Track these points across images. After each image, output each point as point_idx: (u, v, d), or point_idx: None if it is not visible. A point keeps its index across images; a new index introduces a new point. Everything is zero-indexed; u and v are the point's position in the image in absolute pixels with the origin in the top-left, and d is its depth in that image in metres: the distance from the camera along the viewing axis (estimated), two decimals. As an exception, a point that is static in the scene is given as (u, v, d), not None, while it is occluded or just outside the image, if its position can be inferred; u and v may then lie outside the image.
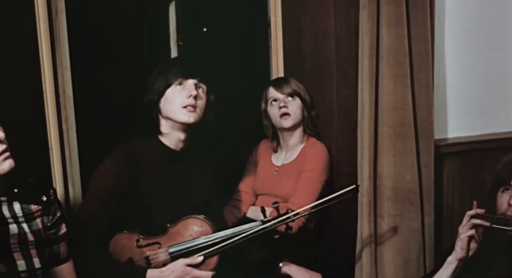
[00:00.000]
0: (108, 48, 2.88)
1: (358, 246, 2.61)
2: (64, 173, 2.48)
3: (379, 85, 2.53)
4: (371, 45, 2.49)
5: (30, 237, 1.83)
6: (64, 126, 2.49)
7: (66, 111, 2.50)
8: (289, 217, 2.10)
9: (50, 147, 2.42)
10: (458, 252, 1.90)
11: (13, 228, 1.79)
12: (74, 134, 2.54)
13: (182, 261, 2.04)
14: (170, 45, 3.12)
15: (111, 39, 2.89)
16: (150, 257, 2.10)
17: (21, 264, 1.78)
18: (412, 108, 2.57)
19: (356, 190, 2.15)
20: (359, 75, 2.55)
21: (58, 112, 2.45)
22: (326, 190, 2.65)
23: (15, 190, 1.84)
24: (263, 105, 2.82)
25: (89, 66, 2.69)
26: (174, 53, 3.12)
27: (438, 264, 2.02)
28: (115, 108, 2.85)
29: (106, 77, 2.83)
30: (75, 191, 2.55)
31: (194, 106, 2.18)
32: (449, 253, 1.95)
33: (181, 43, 3.12)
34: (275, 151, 2.87)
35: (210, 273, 2.05)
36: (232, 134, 3.09)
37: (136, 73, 2.80)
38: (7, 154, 1.71)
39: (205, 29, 3.24)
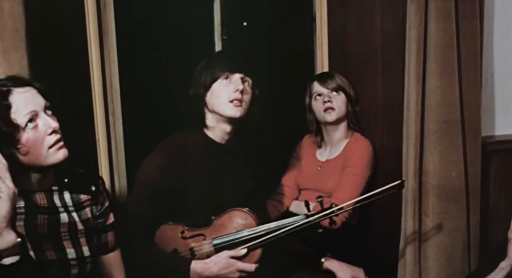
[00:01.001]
0: (154, 42, 2.90)
1: (402, 243, 2.59)
2: (110, 165, 2.52)
3: (426, 81, 2.49)
4: (418, 40, 2.45)
5: (80, 225, 1.87)
6: (111, 119, 2.53)
7: (113, 104, 2.53)
8: (333, 212, 2.09)
9: (97, 138, 2.47)
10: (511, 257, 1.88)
11: (64, 216, 1.83)
12: (121, 127, 2.58)
13: (226, 253, 2.06)
14: (214, 39, 3.12)
15: (157, 33, 2.91)
16: (195, 249, 2.12)
17: (71, 252, 1.80)
18: (459, 104, 2.52)
19: (401, 186, 2.13)
20: (406, 70, 2.52)
21: (105, 105, 2.49)
22: (369, 186, 2.63)
23: (66, 180, 1.88)
24: (307, 100, 2.82)
25: (135, 59, 2.72)
26: (218, 47, 3.13)
27: (483, 263, 1.99)
28: (161, 101, 2.88)
29: (151, 71, 2.86)
30: (121, 182, 2.59)
31: (240, 101, 2.18)
32: (496, 254, 1.92)
33: (225, 37, 3.12)
34: (320, 146, 2.86)
35: (254, 266, 2.05)
36: (276, 129, 3.08)
37: (181, 66, 2.81)
38: (61, 143, 1.73)
39: (245, 24, 3.23)
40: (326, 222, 2.13)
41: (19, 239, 1.39)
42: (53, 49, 2.26)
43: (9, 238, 1.37)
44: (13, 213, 1.43)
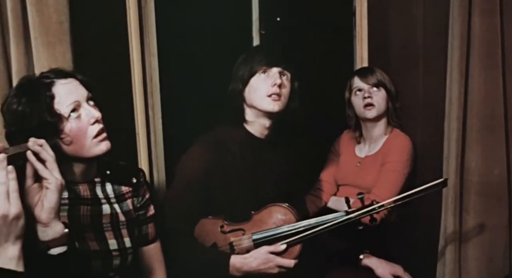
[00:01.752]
0: (193, 37, 2.90)
1: (442, 242, 2.55)
2: (149, 158, 2.54)
3: (469, 76, 2.45)
4: (461, 35, 2.41)
5: (121, 217, 1.88)
6: (150, 113, 2.54)
7: (153, 98, 2.55)
8: (374, 209, 2.07)
9: (137, 132, 2.48)
10: None
11: (106, 208, 1.85)
12: (160, 121, 2.59)
13: (265, 248, 2.05)
14: (252, 34, 3.12)
15: (196, 27, 2.92)
16: (234, 243, 2.12)
17: (112, 243, 1.82)
18: (503, 100, 2.47)
19: (444, 184, 2.09)
20: (448, 65, 2.48)
21: (145, 98, 2.50)
22: (409, 182, 2.60)
23: (108, 172, 1.90)
24: (346, 95, 2.80)
25: (175, 54, 2.73)
26: (256, 42, 3.12)
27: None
28: (200, 96, 2.89)
29: (191, 66, 2.86)
30: (159, 175, 2.61)
31: (278, 95, 2.17)
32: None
33: (263, 32, 3.11)
34: (359, 142, 2.84)
35: (293, 262, 2.04)
36: (315, 123, 3.06)
37: (220, 61, 2.80)
38: (104, 134, 1.75)
39: (278, 19, 3.21)
40: (366, 219, 2.11)
41: (66, 230, 1.40)
42: (95, 43, 2.28)
43: (57, 228, 1.38)
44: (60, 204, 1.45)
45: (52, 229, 1.37)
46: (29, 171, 1.36)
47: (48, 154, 1.37)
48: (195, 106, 2.87)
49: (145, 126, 2.50)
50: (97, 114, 1.72)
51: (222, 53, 2.89)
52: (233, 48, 2.83)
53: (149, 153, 2.54)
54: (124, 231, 1.88)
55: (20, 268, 1.25)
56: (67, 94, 1.69)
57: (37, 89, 1.67)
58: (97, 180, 1.87)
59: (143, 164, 2.50)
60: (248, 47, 2.97)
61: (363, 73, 2.75)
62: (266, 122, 2.23)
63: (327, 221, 2.07)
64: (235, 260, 2.05)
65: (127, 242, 1.87)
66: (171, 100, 2.68)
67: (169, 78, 2.65)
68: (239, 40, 3.07)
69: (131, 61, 2.44)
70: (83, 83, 1.76)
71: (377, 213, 2.10)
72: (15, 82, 1.98)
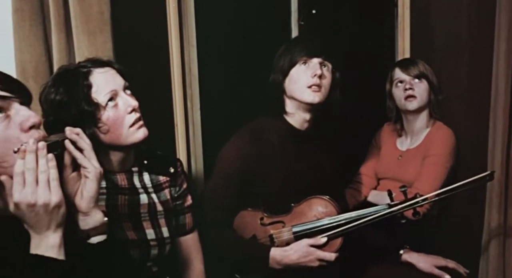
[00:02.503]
0: (232, 28, 2.88)
1: (485, 237, 2.50)
2: (187, 149, 2.54)
3: (516, 68, 2.38)
4: (509, 26, 2.34)
5: (159, 207, 1.88)
6: (189, 104, 2.55)
7: (191, 89, 2.56)
8: (417, 202, 2.01)
9: (175, 123, 2.49)
10: None
11: (143, 197, 1.85)
12: (198, 112, 2.60)
13: (305, 241, 2.01)
14: (291, 25, 3.08)
15: (235, 18, 2.90)
16: (274, 236, 2.09)
17: (150, 233, 1.82)
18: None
19: (491, 177, 2.02)
20: (494, 57, 2.43)
21: (184, 89, 2.50)
22: (451, 176, 2.54)
23: (145, 161, 1.90)
24: (387, 87, 2.75)
25: (213, 45, 2.72)
26: (295, 33, 3.09)
27: None
28: (239, 87, 2.86)
29: (229, 56, 2.84)
30: (197, 166, 2.61)
31: (319, 86, 2.13)
32: None
33: (302, 23, 3.07)
34: (400, 135, 2.79)
35: (334, 255, 1.99)
36: (355, 115, 3.01)
37: (258, 52, 2.79)
38: (141, 122, 1.74)
39: (314, 11, 3.17)
40: (409, 213, 2.06)
41: (106, 218, 1.39)
42: (135, 33, 2.29)
43: (97, 217, 1.37)
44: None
45: (92, 218, 1.37)
46: (67, 160, 1.35)
47: (85, 142, 1.36)
48: (234, 97, 2.85)
49: (183, 117, 2.50)
50: (134, 103, 1.72)
51: (261, 44, 2.86)
52: (272, 39, 2.81)
53: (187, 144, 2.54)
54: (162, 221, 1.87)
55: (61, 256, 1.25)
56: (104, 83, 1.69)
57: (75, 78, 1.68)
58: (134, 169, 1.86)
59: (181, 154, 2.50)
60: (286, 38, 2.93)
61: (405, 65, 2.70)
62: (307, 114, 2.19)
63: (369, 214, 2.02)
64: (275, 253, 2.02)
65: (165, 232, 1.86)
66: (210, 91, 2.67)
67: (208, 69, 2.65)
68: (277, 31, 3.04)
69: (170, 52, 2.44)
70: (120, 72, 1.76)
71: (421, 206, 2.04)
72: (55, 72, 2.00)
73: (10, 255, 1.23)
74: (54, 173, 1.24)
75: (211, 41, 2.70)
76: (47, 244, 1.23)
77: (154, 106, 2.23)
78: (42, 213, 1.21)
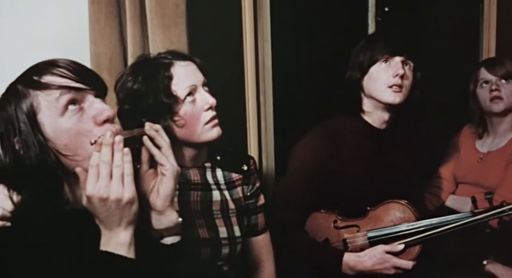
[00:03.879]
0: (307, 22, 2.82)
1: None
2: (259, 145, 2.50)
3: None
4: None
5: (231, 205, 1.84)
6: (261, 99, 2.51)
7: (265, 83, 2.52)
8: (504, 211, 1.90)
9: (247, 118, 2.45)
10: None
11: (216, 194, 1.81)
12: (271, 107, 2.55)
13: (381, 248, 1.94)
14: (368, 21, 2.98)
15: (310, 13, 2.83)
16: (348, 240, 2.02)
17: (222, 231, 1.78)
18: None
19: None
20: None
21: (257, 84, 2.47)
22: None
23: (218, 158, 1.86)
24: (471, 87, 2.61)
25: (288, 39, 2.66)
26: (371, 28, 2.99)
27: None
28: (313, 83, 2.80)
29: (304, 51, 2.78)
30: (269, 163, 2.57)
31: (400, 86, 2.05)
32: None
33: (380, 19, 2.97)
34: (480, 137, 2.64)
35: (411, 263, 1.92)
36: (435, 115, 2.89)
37: (334, 48, 2.72)
38: (216, 121, 1.72)
39: (386, 9, 3.05)
40: (494, 222, 1.94)
41: (180, 219, 1.35)
42: (209, 27, 2.27)
43: (172, 217, 1.33)
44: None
45: (166, 218, 1.33)
46: (144, 156, 1.32)
47: (163, 139, 1.33)
48: (307, 93, 2.79)
49: (256, 112, 2.46)
50: (212, 100, 1.70)
51: (336, 40, 2.79)
52: (347, 35, 2.73)
53: (259, 140, 2.51)
54: (234, 219, 1.83)
55: (131, 255, 1.21)
56: (185, 76, 1.67)
57: (155, 68, 1.66)
58: (207, 165, 1.84)
59: (252, 151, 2.47)
60: (363, 34, 2.84)
61: (491, 64, 2.55)
62: (385, 114, 2.12)
63: (451, 221, 1.93)
64: (349, 258, 1.95)
65: (236, 230, 1.82)
66: (283, 86, 2.62)
67: (282, 64, 2.60)
68: (353, 27, 2.95)
69: (244, 46, 2.41)
70: (200, 67, 1.74)
71: (508, 215, 1.92)
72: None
73: (80, 249, 1.21)
74: (128, 168, 1.21)
75: (286, 36, 2.65)
76: (117, 241, 1.21)
77: (227, 101, 2.20)
78: (114, 209, 1.19)
